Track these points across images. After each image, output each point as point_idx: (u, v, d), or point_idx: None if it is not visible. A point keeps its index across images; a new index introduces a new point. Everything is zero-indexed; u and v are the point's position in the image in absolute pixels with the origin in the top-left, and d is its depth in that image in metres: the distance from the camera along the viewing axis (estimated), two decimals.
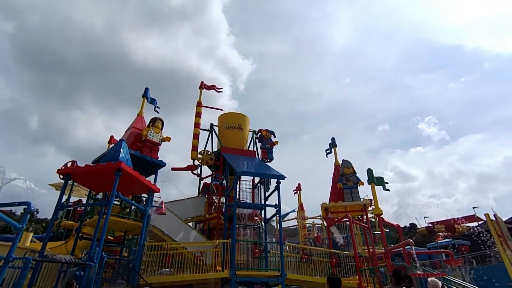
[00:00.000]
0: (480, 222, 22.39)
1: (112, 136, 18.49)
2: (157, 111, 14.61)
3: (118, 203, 12.05)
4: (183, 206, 14.84)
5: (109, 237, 13.17)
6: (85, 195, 15.32)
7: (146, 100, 14.35)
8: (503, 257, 8.29)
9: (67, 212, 17.10)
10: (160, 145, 13.37)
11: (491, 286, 12.20)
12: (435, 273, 10.34)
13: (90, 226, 11.62)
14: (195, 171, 16.81)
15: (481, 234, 13.56)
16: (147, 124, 13.53)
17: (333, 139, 18.60)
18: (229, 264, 10.95)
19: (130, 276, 9.46)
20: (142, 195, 12.09)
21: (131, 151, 11.14)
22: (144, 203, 11.21)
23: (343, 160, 16.77)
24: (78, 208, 16.44)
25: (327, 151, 18.62)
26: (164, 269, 11.15)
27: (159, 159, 13.02)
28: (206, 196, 16.12)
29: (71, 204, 15.70)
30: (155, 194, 13.11)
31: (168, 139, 13.68)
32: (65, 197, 14.11)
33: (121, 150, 9.21)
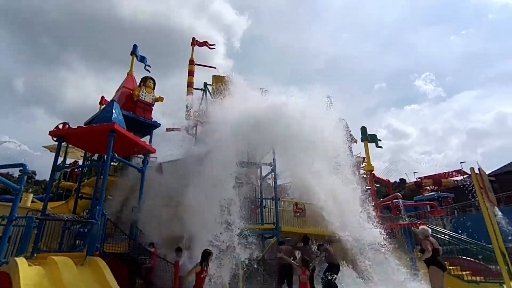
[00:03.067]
0: (465, 176, 23.36)
1: (103, 97, 18.06)
2: (147, 70, 14.15)
3: (115, 164, 12.18)
4: (179, 165, 15.06)
5: (108, 196, 13.52)
6: (81, 156, 15.39)
7: (135, 58, 13.81)
8: (482, 206, 8.81)
9: (64, 174, 17.30)
10: (153, 105, 13.18)
11: (468, 233, 13.12)
12: (419, 222, 11.03)
13: (89, 187, 11.86)
14: (189, 132, 16.79)
15: (465, 187, 14.25)
16: (138, 84, 13.18)
17: (328, 97, 18.43)
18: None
19: (132, 233, 9.92)
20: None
21: (124, 112, 10.99)
22: (141, 163, 11.36)
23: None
24: (76, 170, 16.62)
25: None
26: (165, 226, 11.65)
27: (152, 119, 12.91)
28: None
29: (67, 165, 15.83)
30: (152, 155, 13.26)
31: (161, 99, 13.44)
32: (60, 159, 14.17)
33: (113, 111, 9.09)
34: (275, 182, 13.56)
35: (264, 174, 14.94)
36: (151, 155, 12.81)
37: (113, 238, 9.51)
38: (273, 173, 13.29)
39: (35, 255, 6.73)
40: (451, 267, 9.06)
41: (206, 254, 6.32)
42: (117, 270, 6.84)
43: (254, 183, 15.89)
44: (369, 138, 12.80)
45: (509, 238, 8.98)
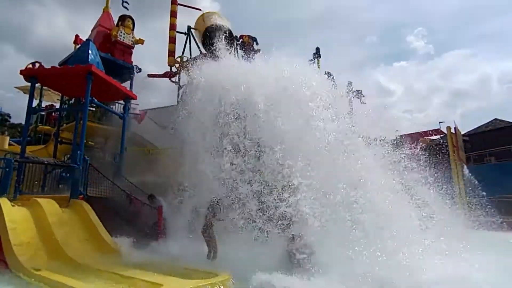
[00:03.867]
0: (442, 135, 24.33)
1: (77, 36, 16.65)
2: (125, 7, 13.01)
3: (95, 109, 11.79)
4: (162, 114, 14.80)
5: (89, 142, 13.32)
6: (57, 100, 14.69)
7: None
8: (452, 163, 9.40)
9: (41, 117, 16.66)
10: (133, 48, 12.41)
11: None
12: None
13: (69, 131, 11.57)
14: (173, 79, 16.16)
15: (439, 146, 14.92)
16: (115, 23, 12.20)
17: (317, 48, 17.93)
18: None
19: (115, 178, 10.01)
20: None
21: (101, 54, 10.32)
22: (122, 110, 11.04)
23: (325, 72, 16.56)
24: (53, 113, 16.00)
25: (310, 61, 18.16)
26: (148, 173, 11.81)
27: (133, 64, 12.25)
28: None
29: (43, 108, 15.19)
30: (133, 101, 12.86)
31: (141, 41, 12.62)
32: (36, 102, 13.51)
33: (90, 52, 8.51)
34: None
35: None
36: (133, 101, 12.44)
37: (97, 183, 9.58)
38: None
39: (18, 196, 6.74)
40: None
41: (217, 203, 6.79)
42: (102, 214, 7.02)
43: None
44: (354, 94, 12.82)
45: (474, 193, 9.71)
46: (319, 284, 4.26)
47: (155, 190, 10.03)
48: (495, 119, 27.78)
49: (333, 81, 15.70)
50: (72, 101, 11.96)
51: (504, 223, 10.23)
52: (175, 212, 9.70)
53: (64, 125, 11.42)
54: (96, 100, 8.75)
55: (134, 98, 11.12)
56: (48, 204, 6.29)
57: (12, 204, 5.93)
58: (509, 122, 26.50)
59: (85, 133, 8.23)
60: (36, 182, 8.36)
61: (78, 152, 7.86)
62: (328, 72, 15.26)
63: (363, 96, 13.12)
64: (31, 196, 6.82)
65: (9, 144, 12.53)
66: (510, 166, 18.52)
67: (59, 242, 5.45)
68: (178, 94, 16.74)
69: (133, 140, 12.51)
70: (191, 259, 5.85)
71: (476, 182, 10.51)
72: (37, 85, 10.24)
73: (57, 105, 14.48)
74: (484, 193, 10.23)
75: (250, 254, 5.56)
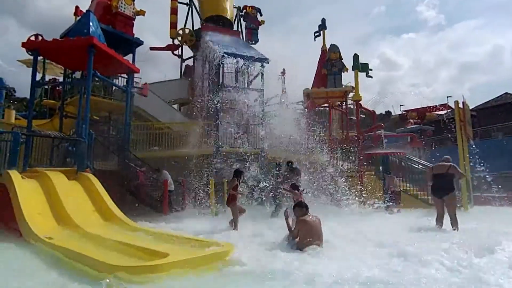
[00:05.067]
0: (449, 110, 23.91)
1: (77, 7, 16.22)
2: None
3: (98, 83, 11.73)
4: (165, 88, 14.68)
5: (94, 117, 13.38)
6: (60, 73, 14.60)
7: None
8: (458, 139, 9.30)
9: (46, 91, 16.67)
10: (134, 19, 12.09)
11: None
12: (397, 152, 11.67)
13: (73, 106, 11.61)
14: (175, 52, 15.86)
15: (446, 120, 14.74)
16: None
17: (323, 20, 17.28)
18: (214, 143, 11.78)
19: (121, 152, 10.17)
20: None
21: (102, 26, 10.07)
22: (125, 84, 10.97)
23: (330, 45, 16.09)
24: (57, 87, 15.97)
25: (316, 34, 17.59)
26: (153, 147, 11.96)
27: (134, 36, 11.99)
28: (189, 79, 15.79)
29: (46, 82, 15.16)
30: (136, 75, 12.74)
31: (142, 12, 12.27)
32: (39, 75, 13.46)
33: (90, 24, 8.31)
34: (263, 109, 13.63)
35: (252, 100, 14.86)
36: (135, 75, 12.32)
37: (102, 158, 9.76)
38: (260, 99, 13.21)
39: (27, 168, 6.91)
40: (420, 192, 9.97)
41: (239, 173, 6.98)
42: (108, 186, 7.20)
43: (242, 109, 15.92)
44: (360, 67, 12.49)
45: (478, 168, 9.70)
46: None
47: (160, 164, 10.22)
48: (506, 93, 26.92)
49: (339, 54, 15.33)
50: (74, 74, 11.87)
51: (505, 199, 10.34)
52: (181, 186, 9.96)
53: (69, 99, 11.43)
54: (98, 73, 8.65)
55: (137, 71, 11.00)
56: (56, 176, 6.46)
57: (22, 176, 6.11)
58: None
59: (89, 107, 8.24)
60: (43, 156, 8.52)
61: (83, 126, 7.92)
62: (333, 45, 14.83)
63: (370, 69, 12.79)
64: (40, 169, 6.99)
65: (16, 118, 12.67)
66: None
67: (68, 212, 5.65)
68: (181, 68, 16.54)
69: (137, 114, 12.53)
70: (196, 231, 6.04)
71: (480, 158, 10.49)
72: (40, 58, 10.16)
73: (60, 79, 14.41)
74: (487, 169, 10.24)
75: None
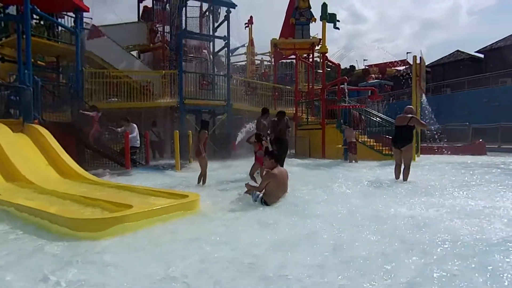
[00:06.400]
0: (407, 66, 24.82)
1: None
2: None
3: (39, 21, 10.23)
4: (122, 32, 13.27)
5: (38, 62, 11.91)
6: None
7: None
8: (413, 93, 9.86)
9: None
10: None
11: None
12: (358, 105, 12.08)
13: (10, 47, 10.15)
14: None
15: (404, 76, 15.36)
16: None
17: None
18: (177, 94, 11.25)
19: (74, 102, 9.33)
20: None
21: None
22: (74, 24, 9.68)
23: None
24: None
25: None
26: (111, 98, 11.12)
27: None
28: (148, 22, 14.36)
29: None
30: (86, 15, 11.28)
31: None
32: None
33: None
34: (228, 58, 13.03)
35: (217, 48, 14.11)
36: (85, 15, 10.91)
37: (52, 109, 8.90)
38: (226, 48, 12.57)
39: None
40: (375, 144, 10.63)
41: (207, 123, 6.65)
42: (62, 139, 6.68)
43: (206, 58, 15.13)
44: (328, 17, 12.12)
45: (428, 121, 10.48)
46: None
47: (120, 116, 9.62)
48: (457, 51, 28.51)
49: (308, 2, 14.71)
50: (7, 9, 10.16)
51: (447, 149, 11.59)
52: (144, 139, 9.58)
53: (4, 39, 9.93)
54: (38, 9, 7.47)
55: (86, 10, 9.73)
56: None
57: None
58: (469, 55, 27.39)
59: (30, 50, 7.25)
60: None
61: (26, 71, 7.03)
62: None
63: (338, 21, 12.52)
64: None
65: None
66: (461, 97, 19.93)
67: (17, 167, 5.23)
68: (138, 9, 14.92)
69: (90, 60, 11.37)
70: (160, 183, 5.98)
71: (430, 111, 11.36)
72: None
73: None
74: (435, 122, 11.23)
75: None
